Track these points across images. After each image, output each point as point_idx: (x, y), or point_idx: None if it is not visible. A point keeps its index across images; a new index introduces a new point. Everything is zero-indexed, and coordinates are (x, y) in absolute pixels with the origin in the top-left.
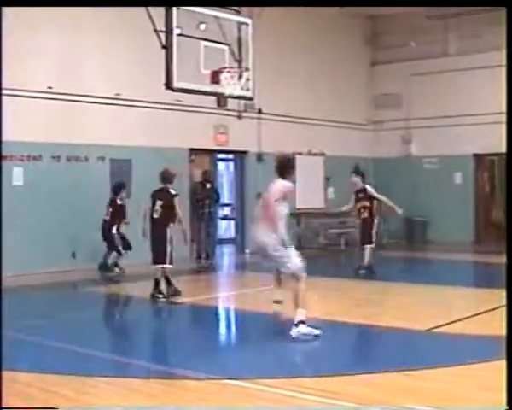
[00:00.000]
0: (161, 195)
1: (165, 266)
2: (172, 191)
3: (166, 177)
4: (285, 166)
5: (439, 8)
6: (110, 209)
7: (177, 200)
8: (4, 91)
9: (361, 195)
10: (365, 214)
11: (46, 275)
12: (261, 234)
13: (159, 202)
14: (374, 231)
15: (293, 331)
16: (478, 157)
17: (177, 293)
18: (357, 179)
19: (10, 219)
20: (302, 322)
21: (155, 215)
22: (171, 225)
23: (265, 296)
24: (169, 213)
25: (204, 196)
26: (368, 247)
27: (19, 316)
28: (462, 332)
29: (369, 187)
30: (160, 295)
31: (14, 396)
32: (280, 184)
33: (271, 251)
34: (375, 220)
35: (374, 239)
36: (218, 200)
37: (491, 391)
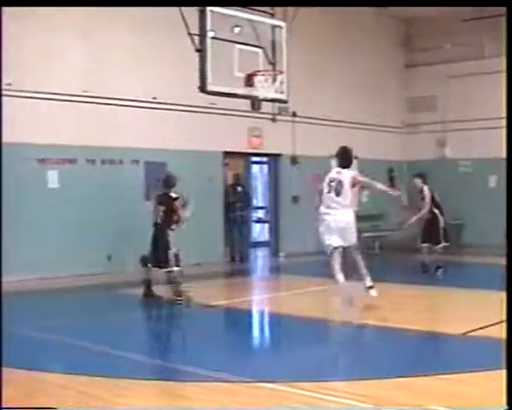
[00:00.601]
0: (163, 199)
1: (170, 269)
2: (173, 195)
3: (169, 182)
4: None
5: (473, 9)
6: (162, 208)
7: (178, 203)
8: (40, 95)
9: (421, 196)
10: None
11: (82, 278)
12: (344, 216)
13: (161, 207)
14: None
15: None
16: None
17: (181, 295)
18: (417, 181)
19: (46, 222)
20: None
21: (158, 220)
22: (174, 228)
23: (299, 299)
24: (171, 218)
25: (235, 200)
26: (437, 247)
27: (54, 318)
28: (498, 336)
29: (425, 188)
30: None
31: (48, 397)
32: (350, 173)
33: (352, 230)
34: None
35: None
36: (249, 203)
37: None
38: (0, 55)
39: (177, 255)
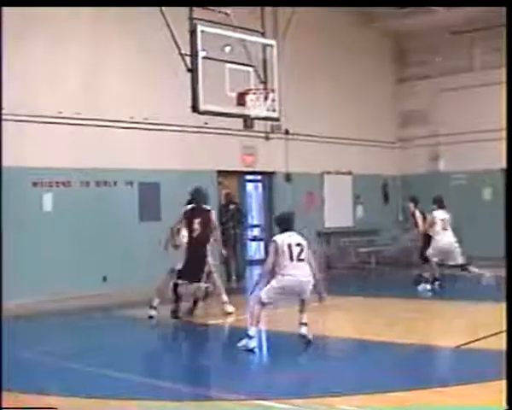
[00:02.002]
0: (197, 212)
1: (207, 285)
2: (208, 207)
3: (202, 195)
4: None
5: (463, 22)
6: (198, 220)
7: (214, 214)
8: (33, 118)
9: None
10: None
11: (77, 300)
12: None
13: (196, 220)
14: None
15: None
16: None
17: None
18: (410, 205)
19: (41, 245)
20: None
21: (194, 234)
22: (211, 241)
23: (295, 316)
24: (208, 230)
25: (228, 218)
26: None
27: (50, 341)
28: (492, 348)
29: (416, 212)
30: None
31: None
32: None
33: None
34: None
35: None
36: (244, 221)
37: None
38: (0, 55)
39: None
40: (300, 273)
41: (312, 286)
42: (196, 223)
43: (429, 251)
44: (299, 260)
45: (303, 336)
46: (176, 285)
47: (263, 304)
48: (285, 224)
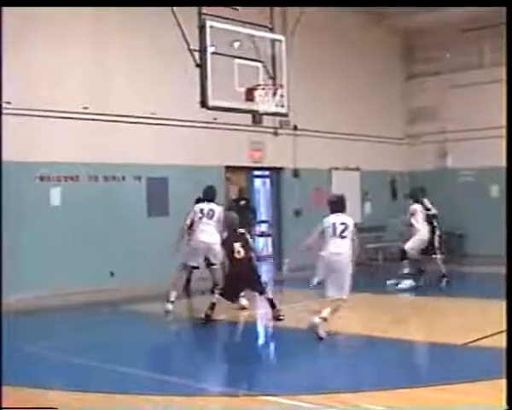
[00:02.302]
0: (237, 237)
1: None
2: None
3: (213, 193)
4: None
5: (472, 19)
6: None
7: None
8: (42, 113)
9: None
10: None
11: (85, 294)
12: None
13: (237, 245)
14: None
15: None
16: None
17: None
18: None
19: (49, 240)
20: None
21: (238, 256)
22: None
23: (301, 312)
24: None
25: (238, 214)
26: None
27: (58, 335)
28: (499, 346)
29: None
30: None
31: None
32: None
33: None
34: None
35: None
36: (254, 217)
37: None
38: (0, 54)
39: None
40: (340, 249)
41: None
42: (238, 246)
43: (409, 245)
44: (342, 237)
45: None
46: (188, 282)
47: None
48: (334, 205)
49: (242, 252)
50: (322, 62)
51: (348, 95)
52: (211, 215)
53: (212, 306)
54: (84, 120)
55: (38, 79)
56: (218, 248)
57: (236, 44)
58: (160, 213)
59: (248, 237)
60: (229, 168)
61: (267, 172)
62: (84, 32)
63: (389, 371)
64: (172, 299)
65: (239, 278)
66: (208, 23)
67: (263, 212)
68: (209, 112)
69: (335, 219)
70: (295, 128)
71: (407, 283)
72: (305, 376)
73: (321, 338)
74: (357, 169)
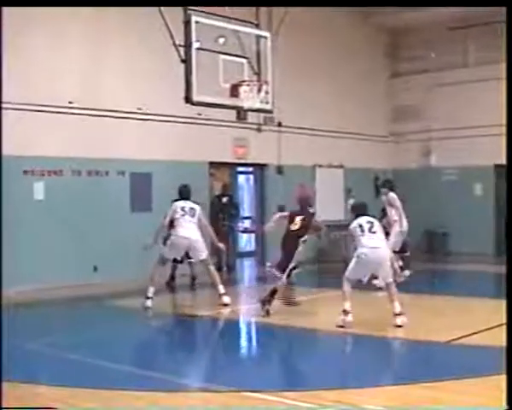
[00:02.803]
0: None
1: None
2: (311, 210)
3: (188, 191)
4: None
5: (458, 18)
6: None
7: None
8: (26, 107)
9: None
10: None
11: (68, 289)
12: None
13: (298, 218)
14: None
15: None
16: (499, 168)
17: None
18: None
19: (32, 234)
20: None
21: (293, 227)
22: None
23: (284, 309)
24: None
25: (219, 210)
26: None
27: (41, 331)
28: (482, 344)
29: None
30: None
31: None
32: None
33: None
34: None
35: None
36: (236, 213)
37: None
38: (0, 54)
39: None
40: (374, 244)
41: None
42: (298, 219)
43: (391, 241)
44: (372, 232)
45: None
46: (173, 278)
47: (350, 281)
48: (357, 210)
49: (298, 225)
50: (307, 59)
51: (333, 92)
52: (192, 213)
53: (274, 292)
54: (69, 114)
55: (23, 73)
56: (200, 244)
57: (222, 40)
58: (144, 208)
59: (313, 216)
60: (213, 164)
61: (251, 169)
62: (72, 28)
63: (373, 369)
64: (150, 295)
65: (289, 251)
66: (194, 18)
67: (246, 208)
68: (193, 107)
69: (360, 220)
70: (279, 125)
71: (406, 273)
72: (289, 373)
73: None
74: (341, 166)
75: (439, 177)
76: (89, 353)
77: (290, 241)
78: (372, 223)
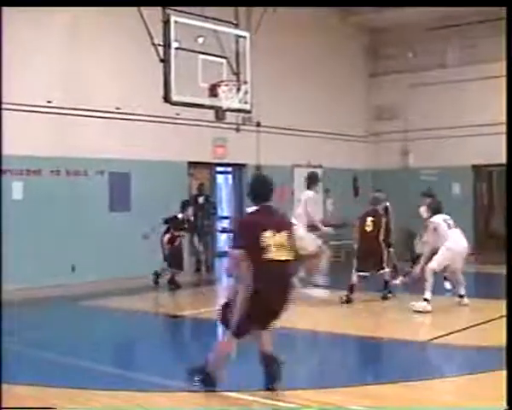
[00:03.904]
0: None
1: (384, 271)
2: (381, 211)
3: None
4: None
5: (438, 18)
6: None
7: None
8: (4, 106)
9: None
10: None
11: (46, 289)
12: None
13: (370, 218)
14: None
15: None
16: (476, 168)
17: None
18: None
19: (10, 234)
20: None
21: (368, 229)
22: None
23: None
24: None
25: (196, 209)
26: None
27: (19, 330)
28: (461, 343)
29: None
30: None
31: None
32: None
33: None
34: None
35: None
36: (214, 213)
37: (490, 401)
38: (0, 54)
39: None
40: (460, 238)
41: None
42: (369, 220)
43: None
44: (455, 227)
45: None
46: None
47: (435, 273)
48: (437, 209)
49: (371, 227)
50: (286, 59)
51: (312, 92)
52: None
53: (352, 287)
54: (47, 113)
55: (1, 71)
56: None
57: (201, 40)
58: (122, 208)
59: (381, 214)
60: (191, 164)
61: (230, 169)
62: (49, 25)
63: (348, 369)
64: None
65: (368, 252)
66: (173, 18)
67: (225, 208)
68: (172, 107)
69: (443, 216)
70: (258, 125)
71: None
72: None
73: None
74: (320, 166)
75: (417, 177)
76: (66, 353)
77: (368, 242)
78: (451, 220)
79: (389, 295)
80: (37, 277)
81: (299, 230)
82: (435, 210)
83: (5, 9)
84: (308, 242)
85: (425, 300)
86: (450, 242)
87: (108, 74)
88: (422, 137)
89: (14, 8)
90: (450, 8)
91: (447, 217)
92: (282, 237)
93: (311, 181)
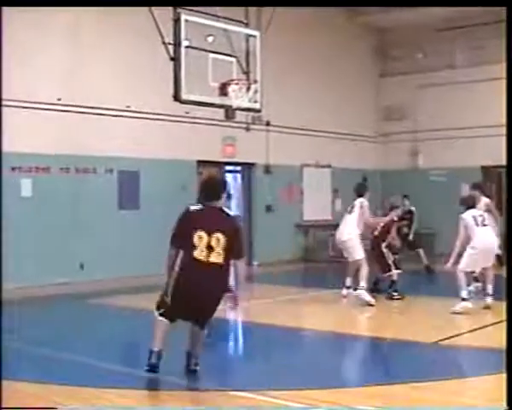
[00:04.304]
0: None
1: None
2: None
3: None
4: None
5: (446, 19)
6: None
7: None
8: (13, 103)
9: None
10: None
11: (55, 287)
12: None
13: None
14: None
15: None
16: (485, 169)
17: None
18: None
19: (19, 231)
20: None
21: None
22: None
23: (272, 308)
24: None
25: None
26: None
27: (26, 327)
28: (468, 344)
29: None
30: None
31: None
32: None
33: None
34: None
35: None
36: None
37: (497, 403)
38: (0, 53)
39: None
40: (487, 237)
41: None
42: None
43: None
44: (484, 225)
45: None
46: None
47: (465, 273)
48: (467, 203)
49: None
50: (295, 59)
51: (321, 92)
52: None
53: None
54: (57, 111)
55: (12, 69)
56: None
57: (211, 39)
58: (131, 206)
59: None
60: (201, 163)
61: (239, 168)
62: (59, 24)
63: (356, 369)
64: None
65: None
66: (183, 17)
67: (234, 207)
68: (182, 106)
69: (473, 212)
70: (268, 124)
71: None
72: (274, 372)
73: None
74: (329, 166)
75: (426, 177)
76: (73, 351)
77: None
78: (483, 216)
79: (395, 294)
80: (45, 274)
81: (354, 237)
82: (467, 205)
83: (17, 9)
84: (356, 250)
85: (463, 299)
86: (474, 240)
87: (118, 72)
88: (431, 138)
89: (29, 8)
90: (458, 9)
91: (478, 213)
92: (214, 239)
93: (363, 188)
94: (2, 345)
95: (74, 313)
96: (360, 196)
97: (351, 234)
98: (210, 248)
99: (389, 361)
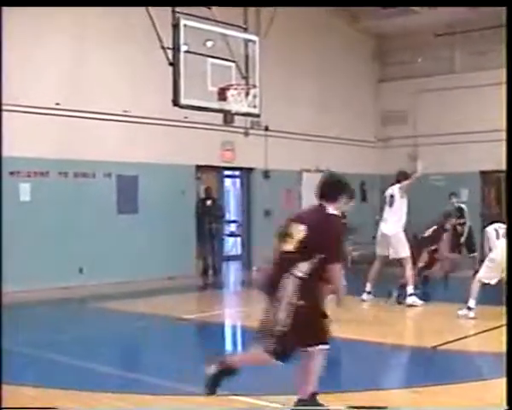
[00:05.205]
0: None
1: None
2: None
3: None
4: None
5: (446, 24)
6: None
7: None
8: (12, 107)
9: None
10: None
11: (54, 291)
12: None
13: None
14: None
15: None
16: (485, 174)
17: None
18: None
19: (17, 235)
20: None
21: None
22: None
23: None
24: None
25: (204, 213)
26: None
27: (26, 331)
28: (468, 349)
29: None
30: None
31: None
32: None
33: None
34: None
35: None
36: (222, 216)
37: (500, 406)
38: (0, 53)
39: None
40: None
41: None
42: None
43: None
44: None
45: None
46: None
47: (482, 283)
48: (495, 217)
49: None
50: (294, 63)
51: (320, 97)
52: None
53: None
54: (56, 116)
55: (10, 74)
56: None
57: (210, 44)
58: (130, 210)
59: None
60: (199, 168)
61: (238, 173)
62: (59, 28)
63: (357, 373)
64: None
65: None
66: (182, 21)
67: (232, 212)
68: (181, 111)
69: (496, 226)
70: (267, 129)
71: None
72: (275, 376)
73: None
74: (328, 170)
75: (425, 182)
76: (72, 354)
77: None
78: (504, 229)
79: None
80: (44, 278)
81: (399, 233)
82: (492, 219)
83: (16, 12)
84: (401, 246)
85: (468, 308)
86: (493, 252)
87: (117, 77)
88: (431, 143)
89: (26, 11)
90: (457, 14)
91: (501, 225)
92: None
93: (402, 176)
94: (2, 348)
95: (73, 317)
96: (398, 181)
97: (395, 229)
98: None
99: (389, 366)
